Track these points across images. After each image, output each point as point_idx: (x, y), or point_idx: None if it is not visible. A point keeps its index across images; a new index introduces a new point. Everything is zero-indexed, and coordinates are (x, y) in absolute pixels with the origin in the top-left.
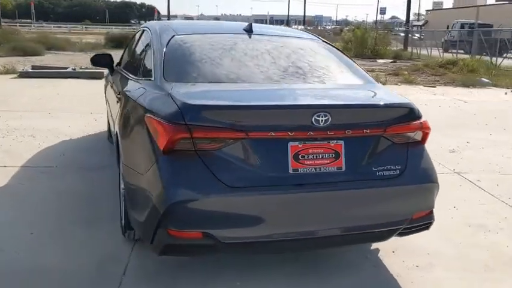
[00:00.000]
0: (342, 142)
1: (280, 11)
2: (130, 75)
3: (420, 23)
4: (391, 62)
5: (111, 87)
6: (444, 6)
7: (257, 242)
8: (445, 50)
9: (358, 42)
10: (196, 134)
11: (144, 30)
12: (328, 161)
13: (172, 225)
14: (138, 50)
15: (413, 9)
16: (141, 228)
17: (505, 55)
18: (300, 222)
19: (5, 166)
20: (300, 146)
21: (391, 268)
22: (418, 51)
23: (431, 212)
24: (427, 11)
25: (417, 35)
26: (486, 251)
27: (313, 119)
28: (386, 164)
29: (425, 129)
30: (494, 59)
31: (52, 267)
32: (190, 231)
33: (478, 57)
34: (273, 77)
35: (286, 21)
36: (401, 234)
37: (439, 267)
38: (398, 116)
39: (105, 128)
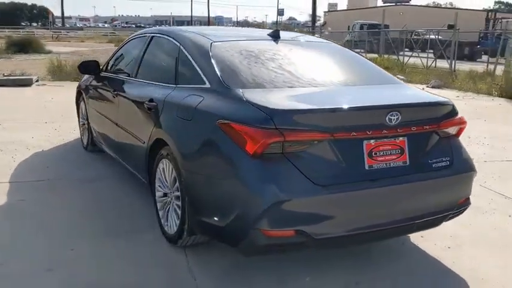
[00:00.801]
0: (405, 138)
1: (180, 11)
2: (156, 82)
3: (319, 24)
4: None
5: (114, 94)
6: (338, 8)
7: (343, 236)
8: None
9: None
10: (287, 137)
11: (156, 36)
12: (395, 157)
13: (267, 225)
14: (159, 56)
15: (308, 11)
16: (223, 232)
17: (411, 54)
18: (375, 214)
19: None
20: (373, 143)
21: (429, 251)
22: None
23: (469, 197)
24: (325, 12)
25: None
26: (494, 230)
27: (386, 118)
28: (439, 157)
29: (462, 124)
30: (401, 57)
31: (113, 282)
32: (284, 229)
33: (386, 56)
34: (332, 80)
35: (189, 22)
36: (447, 220)
37: (466, 246)
38: (447, 113)
39: (71, 138)
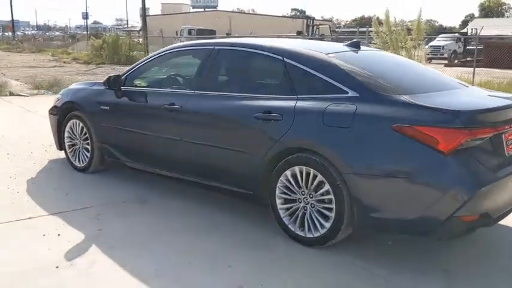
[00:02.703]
0: None
1: None
2: (258, 94)
3: (138, 28)
4: None
5: (170, 109)
6: (151, 13)
7: (505, 213)
8: None
9: (111, 49)
10: (473, 135)
11: (229, 50)
12: None
13: (465, 212)
14: (248, 69)
15: (116, 15)
16: (410, 225)
17: None
18: None
19: (31, 217)
20: (507, 135)
21: None
22: None
23: None
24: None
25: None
26: None
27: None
28: None
29: None
30: None
31: None
32: (475, 214)
33: None
34: (437, 85)
35: None
36: None
37: None
38: None
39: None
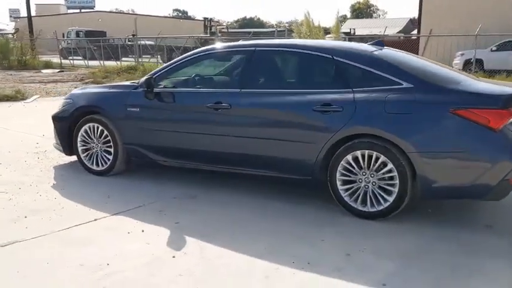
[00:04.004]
0: None
1: None
2: (312, 89)
3: (12, 31)
4: (59, 71)
5: (215, 108)
6: (21, 15)
7: None
8: (64, 57)
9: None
10: None
11: (278, 51)
12: None
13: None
14: (297, 68)
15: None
16: (468, 190)
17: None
18: None
19: (96, 219)
20: None
21: None
22: (72, 62)
23: None
24: (16, 18)
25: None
26: None
27: None
28: None
29: None
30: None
31: None
32: None
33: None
34: (460, 77)
35: None
36: None
37: None
38: None
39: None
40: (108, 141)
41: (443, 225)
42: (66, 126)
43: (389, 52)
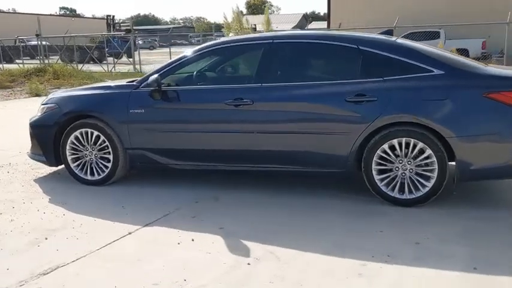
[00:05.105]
0: None
1: None
2: (342, 80)
3: None
4: None
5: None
6: None
7: None
8: None
9: None
10: None
11: (299, 42)
12: None
13: None
14: (328, 60)
15: None
16: (504, 169)
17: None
18: None
19: (131, 233)
20: None
21: None
22: None
23: None
24: None
25: None
26: None
27: None
28: None
29: None
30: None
31: None
32: None
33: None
34: (475, 63)
35: None
36: None
37: None
38: None
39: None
40: (105, 148)
41: (478, 206)
42: (51, 134)
43: (407, 41)
